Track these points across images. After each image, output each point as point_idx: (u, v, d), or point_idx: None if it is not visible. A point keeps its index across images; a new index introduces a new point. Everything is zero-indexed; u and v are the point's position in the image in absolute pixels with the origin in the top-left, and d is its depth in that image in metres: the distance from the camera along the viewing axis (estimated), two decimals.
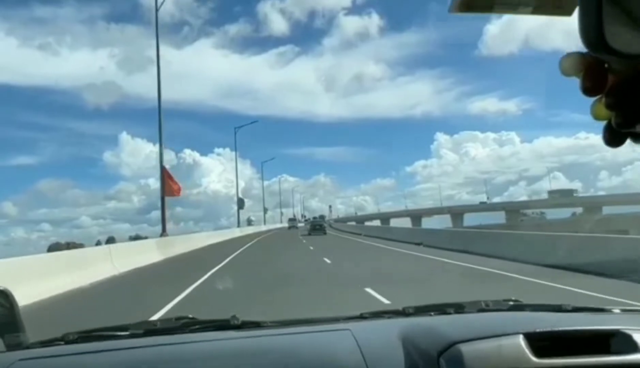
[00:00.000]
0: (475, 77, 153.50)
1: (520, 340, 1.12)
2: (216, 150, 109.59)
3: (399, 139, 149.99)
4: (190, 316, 1.60)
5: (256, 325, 1.54)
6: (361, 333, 1.35)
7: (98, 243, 47.36)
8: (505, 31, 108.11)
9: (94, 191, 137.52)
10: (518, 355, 1.09)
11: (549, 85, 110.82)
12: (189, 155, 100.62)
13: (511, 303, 1.66)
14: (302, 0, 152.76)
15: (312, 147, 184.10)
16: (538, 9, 0.70)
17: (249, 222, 67.61)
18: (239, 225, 50.40)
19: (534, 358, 1.08)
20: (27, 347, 1.41)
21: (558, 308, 1.54)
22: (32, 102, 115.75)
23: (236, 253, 21.47)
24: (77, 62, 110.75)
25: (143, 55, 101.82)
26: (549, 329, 1.19)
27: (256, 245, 28.84)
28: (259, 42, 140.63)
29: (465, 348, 1.11)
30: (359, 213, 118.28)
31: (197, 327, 1.52)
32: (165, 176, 24.39)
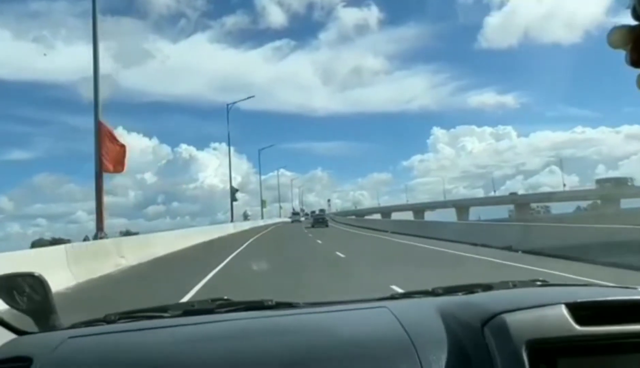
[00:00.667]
0: (472, 71, 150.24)
1: (563, 309, 1.13)
2: (212, 144, 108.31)
3: (396, 133, 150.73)
4: (225, 297, 1.63)
5: (290, 305, 1.56)
6: (399, 309, 1.35)
7: (85, 239, 46.47)
8: (504, 24, 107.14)
9: (90, 186, 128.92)
10: (561, 323, 1.10)
11: (546, 79, 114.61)
12: (185, 149, 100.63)
13: (539, 283, 1.66)
14: None
15: (309, 142, 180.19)
16: None
17: (245, 217, 64.14)
18: (232, 220, 44.31)
19: (577, 327, 1.09)
20: (72, 327, 1.47)
21: (586, 286, 1.59)
22: (27, 96, 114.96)
23: (214, 272, 12.16)
24: (72, 56, 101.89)
25: (139, 48, 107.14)
26: (589, 299, 1.21)
27: (253, 250, 20.37)
28: (255, 35, 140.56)
29: (510, 318, 1.12)
30: (358, 208, 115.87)
31: (232, 307, 1.55)
32: (102, 137, 15.67)
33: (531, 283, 1.65)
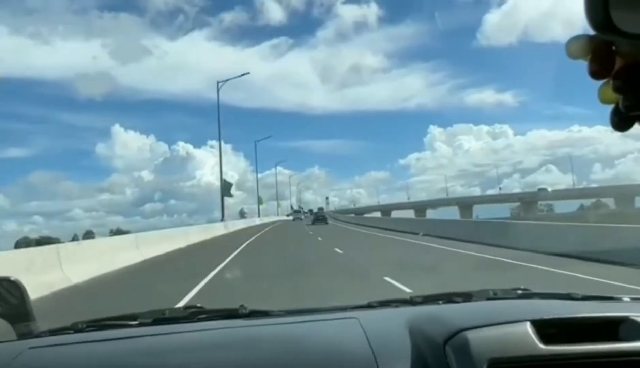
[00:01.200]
0: (470, 69, 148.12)
1: (528, 327, 1.11)
2: (209, 142, 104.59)
3: (393, 132, 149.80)
4: (199, 305, 1.61)
5: (264, 314, 1.55)
6: (368, 322, 1.35)
7: (74, 239, 42.16)
8: (503, 22, 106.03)
9: (87, 183, 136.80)
10: (525, 342, 1.08)
11: (543, 78, 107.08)
12: (183, 147, 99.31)
13: (520, 291, 1.65)
14: None
15: (307, 140, 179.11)
16: None
17: (242, 215, 62.45)
18: (223, 219, 38.13)
19: (541, 345, 1.07)
20: (37, 336, 1.42)
21: (567, 297, 1.53)
22: (23, 93, 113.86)
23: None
24: (70, 52, 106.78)
25: (136, 45, 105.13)
26: (556, 316, 1.19)
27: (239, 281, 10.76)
28: (253, 33, 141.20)
29: (471, 335, 1.10)
30: (357, 206, 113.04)
31: (205, 316, 1.53)
32: None
33: (512, 291, 1.64)
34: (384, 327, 1.32)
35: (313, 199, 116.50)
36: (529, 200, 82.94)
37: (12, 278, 1.45)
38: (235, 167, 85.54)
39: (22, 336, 1.39)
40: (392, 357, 1.15)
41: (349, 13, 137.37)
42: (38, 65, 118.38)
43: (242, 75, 43.55)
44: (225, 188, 40.20)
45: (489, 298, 1.58)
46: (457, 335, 1.11)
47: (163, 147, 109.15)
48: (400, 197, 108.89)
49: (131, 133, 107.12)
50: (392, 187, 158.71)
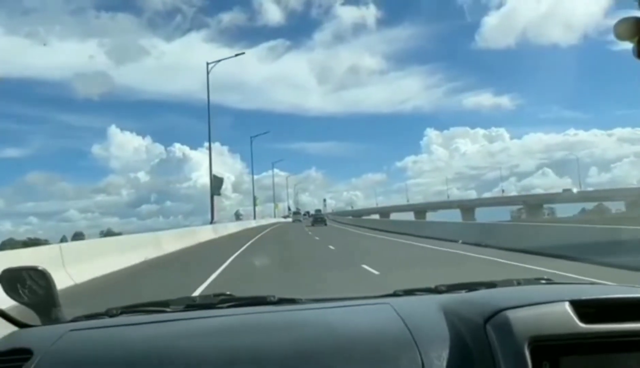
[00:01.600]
0: (466, 72, 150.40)
1: (567, 307, 1.12)
2: (206, 143, 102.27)
3: (390, 134, 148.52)
4: (228, 293, 1.64)
5: (292, 301, 1.55)
6: (401, 306, 1.34)
7: (63, 240, 40.35)
8: (500, 25, 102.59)
9: (83, 184, 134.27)
10: (565, 320, 1.09)
11: (540, 81, 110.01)
12: (179, 149, 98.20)
13: (543, 281, 1.64)
14: None
15: (303, 142, 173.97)
16: None
17: (238, 217, 60.43)
18: (212, 220, 33.60)
19: (581, 324, 1.08)
20: (74, 320, 1.47)
21: (591, 284, 1.68)
22: (19, 93, 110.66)
23: None
24: (66, 52, 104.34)
25: (133, 45, 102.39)
26: (594, 296, 1.20)
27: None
28: (250, 35, 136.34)
29: (512, 315, 1.11)
30: (355, 208, 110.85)
31: (234, 302, 1.55)
32: None
33: (535, 281, 1.65)
34: (418, 311, 1.31)
35: (310, 201, 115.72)
36: (534, 203, 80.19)
37: (39, 268, 1.48)
38: (232, 168, 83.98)
39: (53, 321, 1.43)
40: (431, 338, 1.15)
41: (346, 15, 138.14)
42: (34, 65, 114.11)
43: (237, 55, 42.22)
44: (215, 186, 35.87)
45: (513, 286, 1.58)
46: (498, 315, 1.12)
47: (159, 148, 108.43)
48: (397, 200, 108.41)
49: (127, 134, 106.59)
50: (389, 190, 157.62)
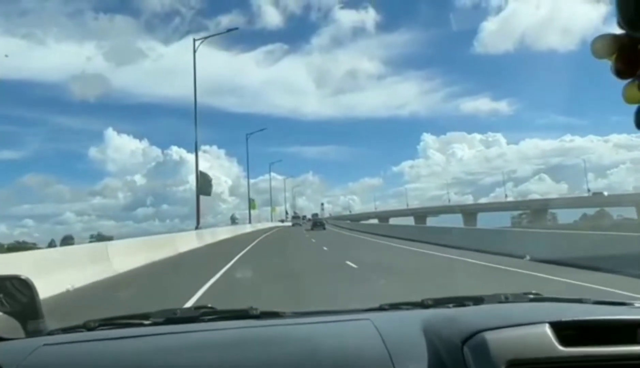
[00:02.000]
0: (463, 77, 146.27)
1: (546, 329, 1.10)
2: (203, 147, 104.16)
3: (387, 139, 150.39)
4: (209, 306, 1.60)
5: (275, 315, 1.54)
6: (382, 323, 1.32)
7: (51, 244, 39.90)
8: (497, 31, 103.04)
9: (79, 187, 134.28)
10: (544, 343, 1.07)
11: (537, 87, 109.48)
12: (176, 152, 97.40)
13: (531, 296, 1.62)
14: (290, 2, 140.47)
15: (300, 146, 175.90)
16: None
17: (233, 220, 59.99)
18: (198, 225, 28.53)
19: (560, 347, 1.06)
20: (49, 334, 1.42)
21: (579, 301, 1.51)
22: (16, 95, 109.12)
23: None
24: (64, 54, 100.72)
25: (131, 48, 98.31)
26: (574, 318, 1.17)
27: None
28: (248, 39, 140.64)
29: (490, 336, 1.09)
30: (353, 212, 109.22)
31: (216, 316, 1.52)
32: None
33: (523, 296, 1.62)
34: (398, 328, 1.30)
35: (307, 205, 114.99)
36: (538, 208, 75.94)
37: (22, 277, 1.44)
38: (229, 172, 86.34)
39: (33, 334, 1.39)
40: (408, 357, 1.13)
41: (343, 20, 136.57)
42: (32, 66, 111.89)
43: (229, 30, 40.75)
44: (203, 185, 30.82)
45: (500, 302, 1.56)
46: (475, 336, 1.10)
47: (156, 151, 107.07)
48: (394, 204, 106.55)
49: (124, 137, 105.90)
50: (385, 194, 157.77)
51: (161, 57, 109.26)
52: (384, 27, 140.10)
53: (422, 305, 1.57)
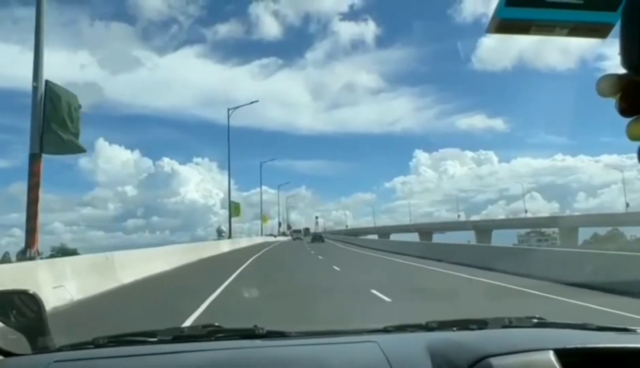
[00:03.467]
0: (456, 95, 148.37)
1: (551, 356, 1.10)
2: (195, 159, 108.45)
3: (380, 154, 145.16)
4: (217, 324, 1.59)
5: (280, 334, 1.52)
6: (388, 345, 1.31)
7: (5, 257, 36.24)
8: (492, 50, 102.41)
9: (68, 197, 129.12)
10: None
11: (529, 106, 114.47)
12: (168, 163, 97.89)
13: (535, 320, 1.61)
14: (288, 13, 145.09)
15: (292, 160, 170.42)
16: (573, 31, 0.71)
17: (220, 234, 52.49)
18: None
19: None
20: (59, 350, 1.41)
21: (582, 327, 1.50)
22: (7, 103, 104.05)
23: None
24: (57, 62, 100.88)
25: (125, 57, 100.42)
26: (579, 346, 1.17)
27: None
28: (243, 52, 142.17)
29: (496, 362, 1.09)
30: (350, 226, 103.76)
31: (222, 335, 1.51)
32: None
33: (526, 320, 1.61)
34: (404, 352, 1.30)
35: (298, 219, 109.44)
36: (568, 226, 66.27)
37: (30, 292, 1.43)
38: (221, 185, 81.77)
39: (42, 350, 1.39)
40: None
41: (338, 35, 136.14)
42: (23, 75, 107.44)
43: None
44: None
45: (504, 326, 1.56)
46: (481, 362, 1.09)
47: (147, 162, 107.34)
48: (385, 220, 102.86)
49: (116, 147, 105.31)
50: (377, 210, 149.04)
51: (156, 68, 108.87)
52: (379, 42, 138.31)
53: (427, 327, 1.56)
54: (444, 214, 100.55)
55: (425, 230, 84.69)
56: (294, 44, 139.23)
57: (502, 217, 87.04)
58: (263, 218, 66.40)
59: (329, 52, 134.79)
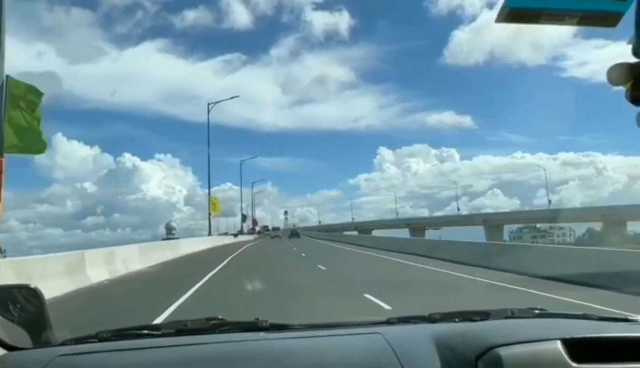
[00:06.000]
0: (419, 93, 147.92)
1: (559, 346, 1.10)
2: (157, 155, 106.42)
3: (345, 151, 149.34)
4: (220, 317, 1.56)
5: (284, 327, 1.49)
6: (393, 337, 1.30)
7: None
8: (456, 48, 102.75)
9: (24, 193, 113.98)
10: (557, 360, 1.08)
11: (490, 105, 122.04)
12: (129, 159, 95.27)
13: (537, 311, 1.59)
14: (253, 9, 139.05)
15: (257, 157, 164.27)
16: (583, 20, 0.71)
17: (169, 231, 48.51)
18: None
19: (572, 363, 1.07)
20: (63, 344, 1.40)
21: (584, 317, 1.49)
22: None
23: None
24: (10, 48, 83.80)
25: (85, 49, 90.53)
26: (586, 335, 1.17)
27: None
28: (206, 47, 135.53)
29: (504, 352, 1.09)
30: (324, 223, 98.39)
31: (225, 328, 1.49)
32: None
33: (529, 311, 1.59)
34: (409, 342, 1.28)
35: (263, 217, 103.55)
36: (614, 219, 55.44)
37: (31, 286, 1.43)
38: (184, 182, 78.17)
39: (45, 344, 1.37)
40: None
41: (304, 32, 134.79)
42: None
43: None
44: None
45: (507, 317, 1.54)
46: (490, 352, 1.09)
47: (108, 158, 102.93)
48: (347, 217, 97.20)
49: (74, 143, 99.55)
50: (342, 206, 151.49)
51: (115, 62, 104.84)
52: (342, 41, 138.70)
53: (430, 319, 1.54)
54: (408, 211, 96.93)
55: (416, 226, 75.71)
56: (258, 40, 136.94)
57: (515, 209, 76.07)
58: (212, 205, 44.42)
59: (294, 50, 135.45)
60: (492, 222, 67.12)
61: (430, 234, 73.18)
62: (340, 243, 40.66)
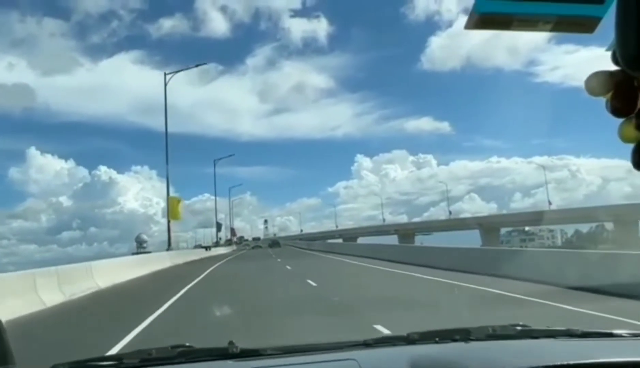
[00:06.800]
0: (395, 100, 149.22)
1: None
2: (134, 167, 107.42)
3: (322, 160, 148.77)
4: (187, 344, 1.48)
5: (255, 353, 1.44)
6: (367, 362, 1.27)
7: None
8: (434, 54, 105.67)
9: None
10: None
11: (465, 110, 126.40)
12: (105, 172, 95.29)
13: (519, 328, 1.56)
14: (230, 17, 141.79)
15: (234, 166, 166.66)
16: (558, 26, 0.68)
17: (140, 244, 44.26)
18: None
19: None
20: None
21: (567, 333, 1.48)
22: None
23: None
24: None
25: (58, 61, 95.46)
26: (563, 362, 1.15)
27: None
28: (180, 58, 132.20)
29: None
30: (305, 231, 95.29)
31: (193, 356, 1.42)
32: None
33: (511, 328, 1.55)
34: None
35: (243, 227, 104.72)
36: (626, 219, 50.19)
37: None
38: (161, 193, 75.28)
39: None
40: None
41: (281, 41, 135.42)
42: None
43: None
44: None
45: (488, 335, 1.50)
46: None
47: (83, 171, 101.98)
48: (329, 225, 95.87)
49: (48, 156, 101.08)
50: (321, 215, 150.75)
51: (89, 74, 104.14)
52: (319, 50, 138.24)
53: (408, 340, 1.50)
54: (388, 217, 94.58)
55: (406, 232, 73.25)
56: (235, 49, 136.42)
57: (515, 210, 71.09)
58: (171, 206, 34.45)
59: (270, 59, 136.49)
60: (488, 225, 61.92)
61: (419, 240, 69.02)
62: (329, 253, 36.95)
